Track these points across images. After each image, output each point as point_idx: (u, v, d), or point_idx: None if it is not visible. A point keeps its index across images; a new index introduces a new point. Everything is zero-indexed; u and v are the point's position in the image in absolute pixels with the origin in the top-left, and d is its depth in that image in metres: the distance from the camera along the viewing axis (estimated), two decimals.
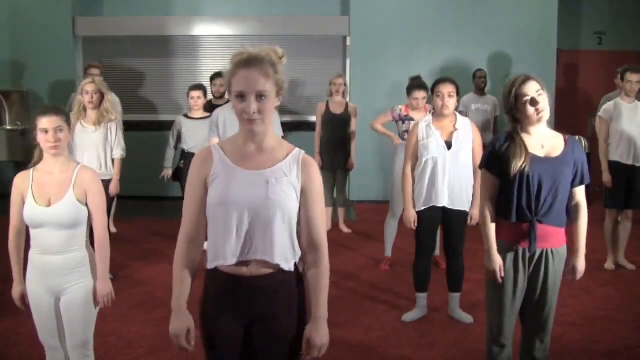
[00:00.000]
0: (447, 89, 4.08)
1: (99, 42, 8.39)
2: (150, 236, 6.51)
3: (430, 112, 5.32)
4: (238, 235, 2.03)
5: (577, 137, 7.77)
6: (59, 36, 8.15)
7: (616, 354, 3.80)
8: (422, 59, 8.14)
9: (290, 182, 2.05)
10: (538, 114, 2.78)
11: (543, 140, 2.85)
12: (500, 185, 2.88)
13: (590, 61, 8.90)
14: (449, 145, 4.07)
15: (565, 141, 2.88)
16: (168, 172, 6.05)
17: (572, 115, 8.65)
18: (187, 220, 2.11)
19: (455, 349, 3.88)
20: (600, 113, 5.43)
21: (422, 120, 4.21)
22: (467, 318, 4.26)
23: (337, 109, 6.53)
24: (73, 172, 2.78)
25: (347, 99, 6.97)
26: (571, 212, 2.92)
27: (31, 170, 2.81)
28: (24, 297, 2.87)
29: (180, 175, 6.01)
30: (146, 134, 8.06)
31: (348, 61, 8.33)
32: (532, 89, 2.77)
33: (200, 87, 6.04)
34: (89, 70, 6.72)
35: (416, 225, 4.17)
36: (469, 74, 7.68)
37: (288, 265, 2.09)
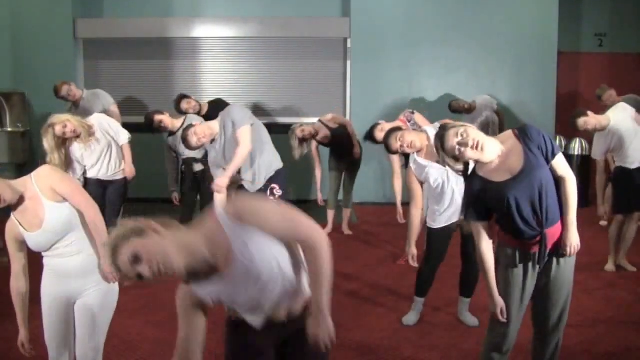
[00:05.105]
0: (396, 141, 4.07)
1: (99, 44, 8.41)
2: None
3: (409, 120, 5.76)
4: (264, 318, 2.11)
5: (577, 139, 7.79)
6: (60, 38, 8.17)
7: (617, 356, 3.79)
8: (423, 60, 8.16)
9: (255, 243, 1.97)
10: (477, 148, 2.61)
11: (501, 160, 2.69)
12: (495, 213, 2.78)
13: (591, 63, 8.91)
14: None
15: (516, 136, 2.71)
16: (175, 195, 5.94)
17: None
18: (182, 347, 2.06)
19: (455, 350, 3.88)
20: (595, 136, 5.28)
21: (411, 163, 4.13)
22: (473, 321, 4.25)
23: (332, 124, 6.45)
24: (33, 185, 2.74)
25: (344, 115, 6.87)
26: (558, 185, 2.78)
27: (12, 215, 2.77)
28: (24, 344, 2.88)
29: (181, 179, 5.99)
30: (147, 136, 8.02)
31: (349, 63, 8.34)
32: (452, 137, 2.63)
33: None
34: (59, 92, 6.52)
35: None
36: (470, 76, 7.70)
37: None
